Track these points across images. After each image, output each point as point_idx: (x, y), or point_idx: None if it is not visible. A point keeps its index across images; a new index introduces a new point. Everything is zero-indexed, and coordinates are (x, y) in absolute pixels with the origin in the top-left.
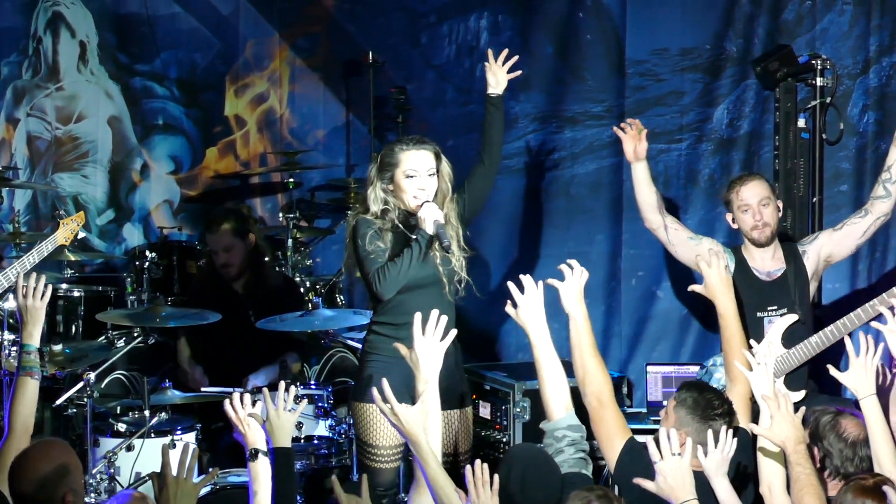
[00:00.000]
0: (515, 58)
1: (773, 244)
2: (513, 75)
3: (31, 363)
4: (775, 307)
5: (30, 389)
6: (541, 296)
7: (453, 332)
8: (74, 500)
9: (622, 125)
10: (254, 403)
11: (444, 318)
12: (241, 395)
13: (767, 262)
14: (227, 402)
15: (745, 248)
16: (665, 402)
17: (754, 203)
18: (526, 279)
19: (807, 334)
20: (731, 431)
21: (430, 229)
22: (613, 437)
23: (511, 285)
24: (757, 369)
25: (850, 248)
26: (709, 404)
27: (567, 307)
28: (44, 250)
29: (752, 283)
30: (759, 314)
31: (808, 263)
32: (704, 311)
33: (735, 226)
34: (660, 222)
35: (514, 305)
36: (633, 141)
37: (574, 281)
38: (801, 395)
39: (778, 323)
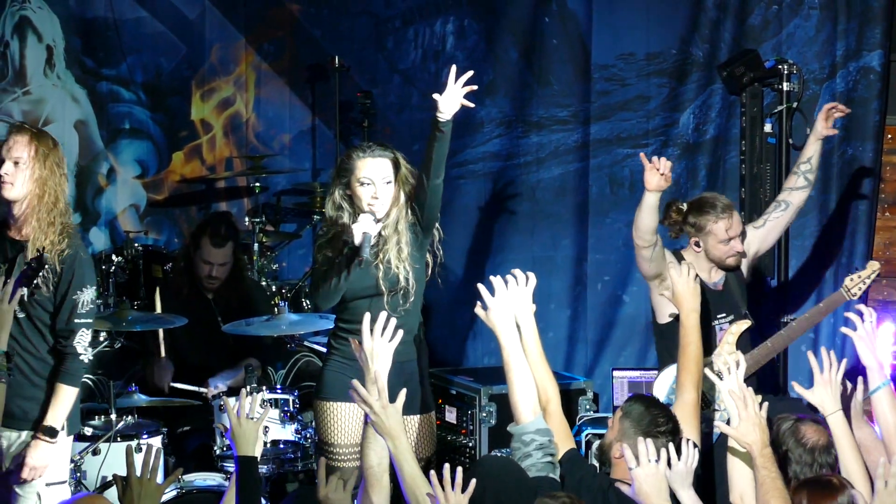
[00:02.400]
0: (472, 87)
1: None
2: (466, 104)
3: None
4: (724, 314)
5: None
6: (511, 298)
7: (400, 333)
8: None
9: (652, 158)
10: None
11: (393, 321)
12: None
13: (712, 273)
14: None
15: (688, 257)
16: None
17: (737, 236)
18: (496, 281)
19: (751, 337)
20: (691, 443)
21: (356, 240)
22: (558, 446)
23: (481, 287)
24: (727, 379)
25: (773, 242)
26: (653, 420)
27: (493, 321)
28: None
29: (703, 294)
30: (712, 323)
31: (742, 266)
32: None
33: (698, 249)
34: (653, 241)
35: (485, 307)
36: (656, 176)
37: (520, 291)
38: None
39: (732, 329)
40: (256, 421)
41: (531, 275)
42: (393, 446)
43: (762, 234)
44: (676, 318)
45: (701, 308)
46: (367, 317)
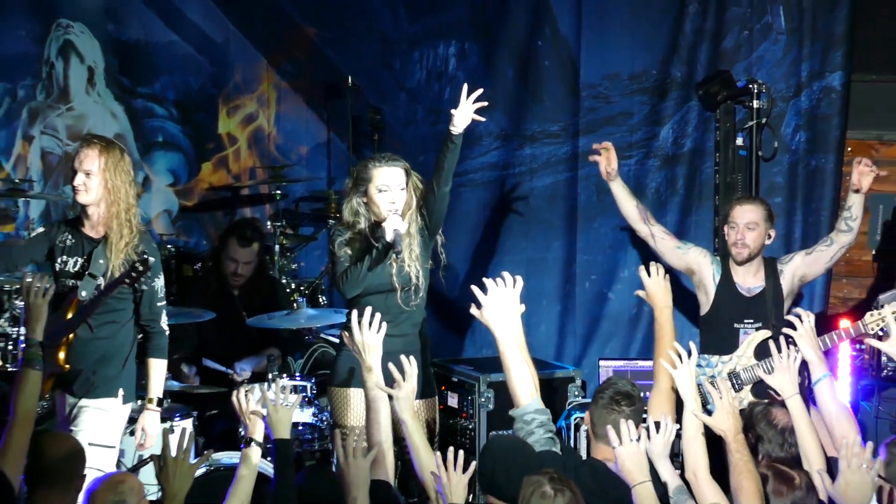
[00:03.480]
0: (484, 103)
1: (756, 262)
2: (478, 118)
3: (33, 356)
4: (751, 320)
5: (32, 380)
6: (514, 296)
7: (385, 326)
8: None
9: (597, 147)
10: (246, 395)
11: (379, 316)
12: (247, 392)
13: (749, 279)
14: (234, 395)
15: (731, 262)
16: None
17: (741, 223)
18: (489, 282)
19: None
20: (669, 420)
21: (389, 237)
22: None
23: (475, 289)
24: (680, 367)
25: (820, 271)
26: (613, 398)
27: (487, 318)
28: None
29: (734, 296)
30: (735, 325)
31: (784, 282)
32: (651, 311)
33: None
34: (647, 232)
35: (479, 307)
36: (604, 161)
37: (509, 292)
38: (745, 392)
39: (753, 337)
40: (290, 408)
41: (518, 277)
42: (406, 425)
43: (809, 261)
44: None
45: (726, 309)
46: (354, 313)
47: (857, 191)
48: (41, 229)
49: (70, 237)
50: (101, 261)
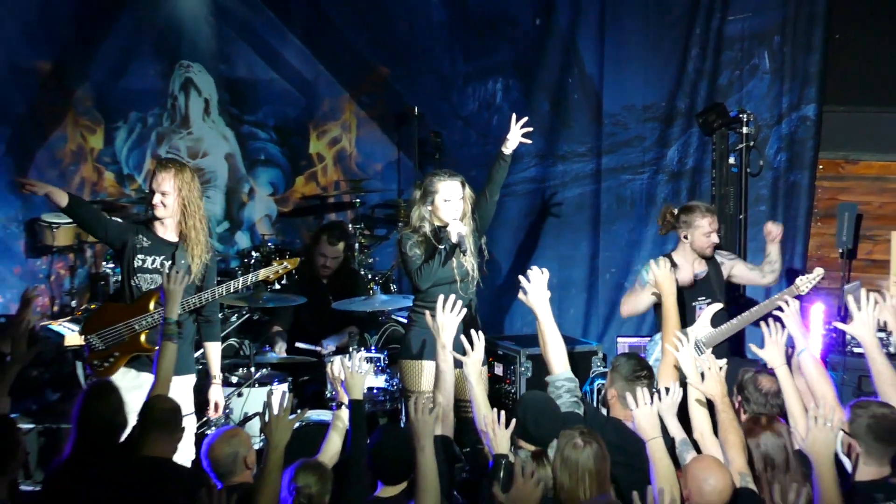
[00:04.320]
0: (530, 129)
1: None
2: (525, 141)
3: (171, 332)
4: (703, 297)
5: (170, 351)
6: (544, 284)
7: (463, 311)
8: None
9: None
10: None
11: (459, 302)
12: (341, 362)
13: (696, 264)
14: (328, 367)
15: (677, 255)
16: None
17: (715, 231)
18: (533, 272)
19: (724, 318)
20: (676, 385)
21: (454, 239)
22: None
23: (521, 278)
24: (682, 349)
25: (740, 281)
26: (632, 369)
27: (532, 301)
28: (248, 280)
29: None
30: (692, 303)
31: (723, 269)
32: (658, 299)
33: (686, 241)
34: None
35: (525, 292)
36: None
37: (539, 279)
38: (723, 361)
39: (708, 309)
40: (364, 374)
41: (545, 270)
42: (472, 387)
43: (743, 272)
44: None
45: (684, 290)
46: (440, 298)
47: (772, 240)
48: (120, 220)
49: (146, 239)
50: (183, 261)
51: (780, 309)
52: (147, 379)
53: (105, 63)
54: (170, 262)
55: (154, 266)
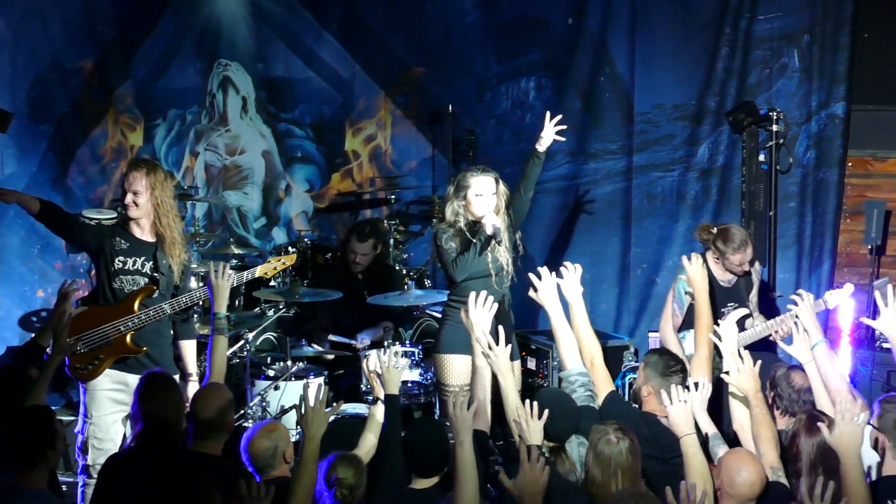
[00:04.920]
0: (563, 126)
1: None
2: (559, 138)
3: (221, 326)
4: (732, 304)
5: (221, 344)
6: (554, 282)
7: (495, 306)
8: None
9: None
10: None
11: (491, 298)
12: (377, 356)
13: (725, 274)
14: (364, 364)
15: (709, 261)
16: None
17: (746, 262)
18: (543, 270)
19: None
20: (707, 380)
21: (489, 231)
22: (601, 389)
23: (531, 276)
24: (725, 339)
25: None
26: (666, 364)
27: (567, 295)
28: (244, 277)
29: (716, 288)
30: (722, 310)
31: (753, 278)
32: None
33: (717, 259)
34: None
35: (535, 290)
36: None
37: (572, 276)
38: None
39: (734, 313)
40: (400, 369)
41: (578, 266)
42: (502, 380)
43: (754, 294)
44: None
45: (713, 299)
46: (472, 294)
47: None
48: (94, 224)
49: (123, 241)
50: (165, 261)
51: (793, 302)
52: (133, 380)
53: (146, 62)
54: (151, 262)
55: (135, 267)
